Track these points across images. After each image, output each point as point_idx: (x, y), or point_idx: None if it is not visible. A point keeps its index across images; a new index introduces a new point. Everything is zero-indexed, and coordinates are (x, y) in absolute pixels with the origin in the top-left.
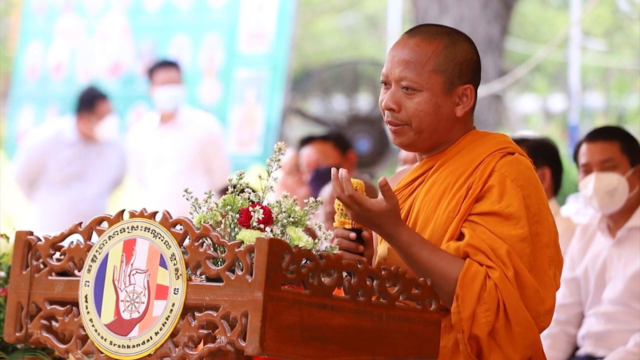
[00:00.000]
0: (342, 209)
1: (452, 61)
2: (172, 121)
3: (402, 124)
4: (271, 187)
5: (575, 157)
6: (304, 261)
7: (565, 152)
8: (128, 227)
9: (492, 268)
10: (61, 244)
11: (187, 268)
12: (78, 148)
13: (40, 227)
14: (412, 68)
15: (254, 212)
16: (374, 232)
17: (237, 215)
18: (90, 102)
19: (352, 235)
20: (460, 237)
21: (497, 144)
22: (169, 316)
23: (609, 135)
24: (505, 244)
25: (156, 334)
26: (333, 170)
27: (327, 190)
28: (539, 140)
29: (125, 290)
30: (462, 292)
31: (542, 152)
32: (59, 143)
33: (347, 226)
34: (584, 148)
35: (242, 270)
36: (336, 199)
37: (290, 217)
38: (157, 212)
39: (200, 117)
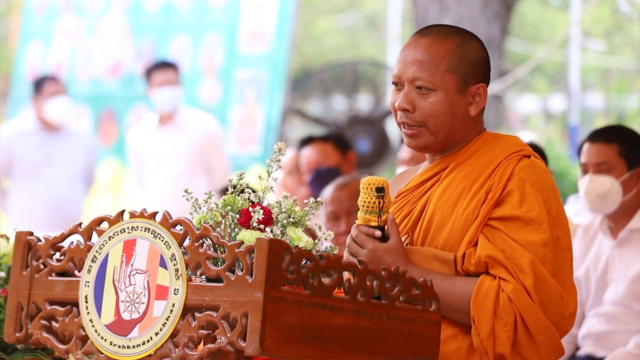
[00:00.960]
0: (366, 206)
1: (465, 60)
2: (172, 121)
3: (417, 125)
4: (271, 187)
5: (579, 155)
6: (304, 261)
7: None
8: (128, 228)
9: (505, 281)
10: (61, 244)
11: (187, 268)
12: (40, 136)
13: (18, 222)
14: (426, 68)
15: (254, 212)
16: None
17: (237, 216)
18: (38, 85)
19: (377, 233)
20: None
21: (512, 146)
22: (169, 316)
23: (609, 137)
24: (527, 252)
25: (156, 334)
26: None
27: (328, 191)
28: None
29: (126, 291)
30: (477, 313)
31: (544, 154)
32: (21, 134)
33: (373, 223)
34: (584, 147)
35: (242, 270)
36: (360, 197)
37: (290, 217)
38: (157, 212)
39: (200, 117)
